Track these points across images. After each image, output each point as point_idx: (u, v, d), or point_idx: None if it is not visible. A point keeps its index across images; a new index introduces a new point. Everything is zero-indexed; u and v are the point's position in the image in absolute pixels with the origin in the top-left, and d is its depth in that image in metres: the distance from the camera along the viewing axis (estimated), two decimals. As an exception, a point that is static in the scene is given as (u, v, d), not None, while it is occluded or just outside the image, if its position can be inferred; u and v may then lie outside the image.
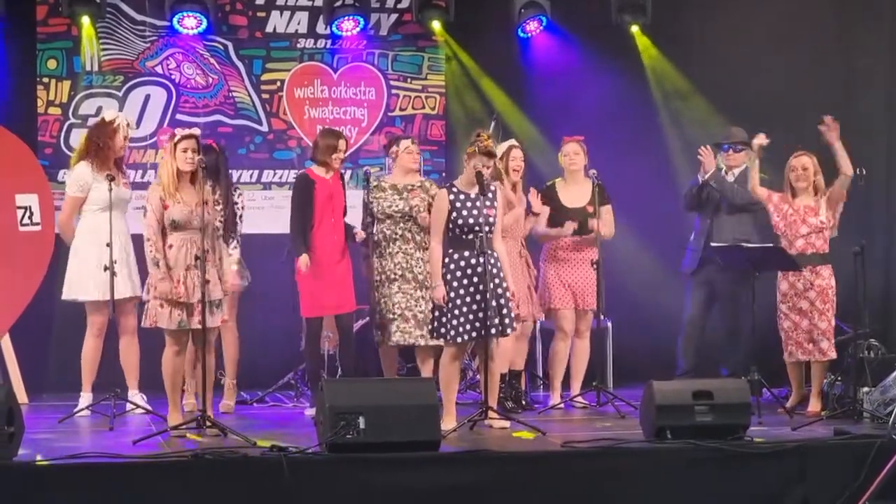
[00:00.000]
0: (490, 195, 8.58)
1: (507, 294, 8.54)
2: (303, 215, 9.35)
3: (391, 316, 9.35)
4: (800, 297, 9.30)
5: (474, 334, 8.47)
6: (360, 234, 9.52)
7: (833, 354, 9.30)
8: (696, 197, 10.28)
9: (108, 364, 9.32)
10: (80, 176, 9.53)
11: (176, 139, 8.40)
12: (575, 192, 9.95)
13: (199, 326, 8.22)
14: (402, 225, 9.43)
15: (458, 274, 8.51)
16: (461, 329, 8.47)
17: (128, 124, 9.63)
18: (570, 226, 9.78)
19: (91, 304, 9.44)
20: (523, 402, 9.73)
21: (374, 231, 9.47)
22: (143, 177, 11.07)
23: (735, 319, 10.20)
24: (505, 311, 8.49)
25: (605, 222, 9.81)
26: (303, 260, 9.25)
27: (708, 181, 10.14)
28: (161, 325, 8.34)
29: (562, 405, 9.73)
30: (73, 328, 9.76)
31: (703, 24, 11.54)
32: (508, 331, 8.56)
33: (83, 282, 9.44)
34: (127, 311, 9.46)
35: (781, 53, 11.49)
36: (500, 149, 9.71)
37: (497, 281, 8.47)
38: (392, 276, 9.40)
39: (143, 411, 9.21)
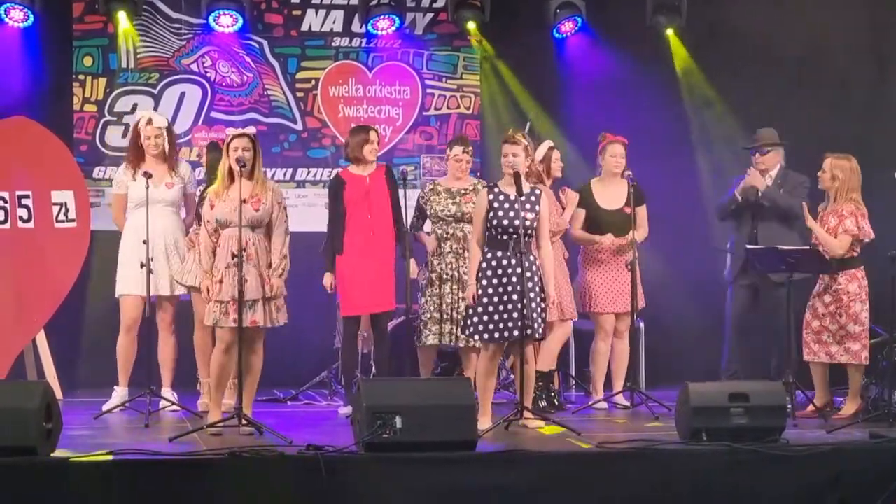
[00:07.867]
0: (533, 198, 8.53)
1: (540, 299, 8.48)
2: (334, 219, 9.38)
3: (438, 315, 9.35)
4: (818, 299, 9.32)
5: (496, 335, 8.41)
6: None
7: (864, 359, 9.26)
8: (726, 209, 10.23)
9: (145, 361, 9.34)
10: (117, 174, 9.68)
11: (228, 138, 8.38)
12: (611, 193, 9.92)
13: (235, 325, 8.21)
14: (453, 225, 9.44)
15: (490, 273, 8.47)
16: (482, 328, 8.44)
17: (149, 121, 9.48)
18: (608, 238, 9.77)
19: (123, 299, 9.47)
20: (556, 402, 9.73)
21: (429, 231, 9.54)
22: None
23: (780, 322, 10.12)
24: (535, 314, 8.42)
25: (641, 223, 9.79)
26: (326, 279, 9.37)
27: (738, 197, 10.05)
28: (205, 321, 8.39)
29: (604, 404, 9.76)
30: (108, 324, 9.80)
31: (738, 25, 11.49)
32: (536, 335, 8.51)
33: (119, 278, 9.48)
34: (164, 308, 9.50)
35: (818, 56, 11.44)
36: (540, 151, 9.72)
37: (531, 285, 8.40)
38: (445, 276, 9.41)
39: (176, 408, 9.26)
